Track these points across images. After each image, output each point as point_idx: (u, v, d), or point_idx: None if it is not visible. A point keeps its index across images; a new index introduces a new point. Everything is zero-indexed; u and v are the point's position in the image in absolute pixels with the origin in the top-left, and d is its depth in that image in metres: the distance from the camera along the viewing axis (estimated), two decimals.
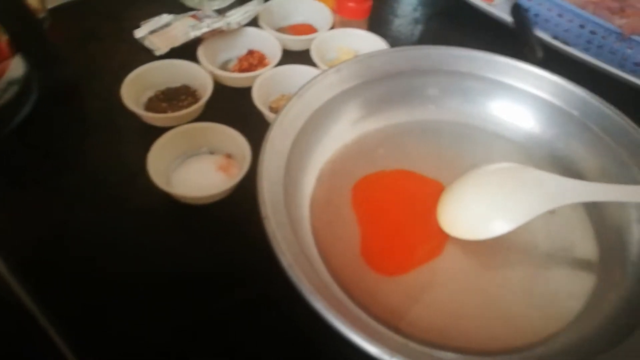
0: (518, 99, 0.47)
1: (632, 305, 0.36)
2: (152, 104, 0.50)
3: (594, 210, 0.42)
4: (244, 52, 0.55)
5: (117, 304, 0.37)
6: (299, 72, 0.50)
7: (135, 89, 0.50)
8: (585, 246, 0.41)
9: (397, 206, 0.42)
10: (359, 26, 0.58)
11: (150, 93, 0.52)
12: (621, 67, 0.55)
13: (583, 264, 0.40)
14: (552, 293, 0.38)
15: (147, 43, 0.56)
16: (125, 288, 0.38)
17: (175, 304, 0.37)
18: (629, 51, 0.54)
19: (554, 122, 0.46)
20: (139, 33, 0.57)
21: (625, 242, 0.40)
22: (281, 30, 0.59)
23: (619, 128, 0.43)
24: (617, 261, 0.39)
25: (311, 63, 0.52)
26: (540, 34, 0.59)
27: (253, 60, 0.53)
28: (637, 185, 0.39)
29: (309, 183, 0.42)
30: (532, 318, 0.36)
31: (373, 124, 0.47)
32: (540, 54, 0.54)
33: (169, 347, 0.35)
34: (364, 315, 0.35)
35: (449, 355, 0.34)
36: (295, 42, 0.56)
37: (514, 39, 0.58)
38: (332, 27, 0.59)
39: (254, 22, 0.57)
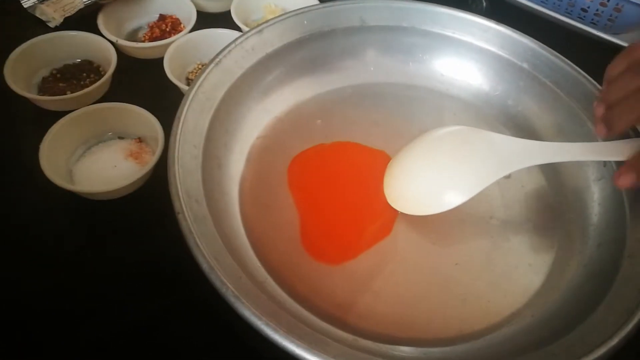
0: (465, 54, 0.43)
1: (594, 273, 0.33)
2: (48, 85, 0.43)
3: (551, 172, 0.39)
4: (155, 18, 0.48)
5: (21, 319, 0.31)
6: (217, 36, 0.44)
7: (25, 68, 0.42)
8: (543, 212, 0.38)
9: (339, 184, 0.38)
10: None
11: (44, 72, 0.44)
12: (568, 13, 0.52)
13: (542, 232, 0.37)
14: (512, 267, 0.35)
15: (38, 13, 0.48)
16: (19, 301, 0.32)
17: (85, 317, 0.32)
18: None
19: (504, 76, 0.43)
20: (27, 2, 0.48)
21: (584, 203, 0.37)
22: None
23: (572, 80, 0.40)
24: (577, 225, 0.36)
25: (233, 26, 0.46)
26: None
27: (165, 27, 0.46)
28: (594, 142, 0.36)
29: (236, 164, 0.37)
30: (492, 297, 0.33)
31: (306, 92, 0.42)
32: (484, 3, 0.50)
33: None
34: (305, 314, 0.31)
35: (404, 349, 0.30)
36: (213, 3, 0.50)
37: None
38: None
39: None
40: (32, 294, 0.33)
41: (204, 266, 0.27)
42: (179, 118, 0.32)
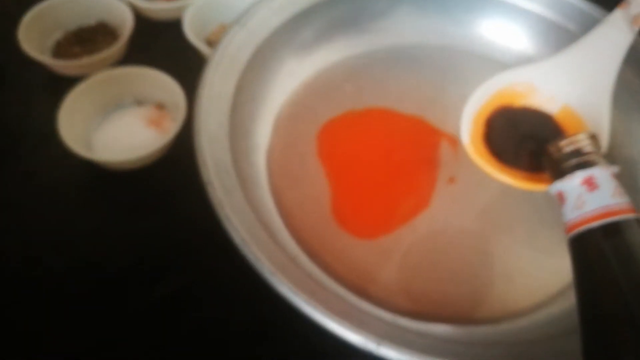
0: (507, 15, 0.40)
1: None
2: (62, 49, 0.41)
3: None
4: None
5: (22, 302, 0.30)
6: None
7: (39, 32, 0.41)
8: None
9: (372, 152, 0.35)
10: None
11: (58, 35, 0.42)
12: None
13: None
14: (558, 241, 0.32)
15: None
16: (34, 282, 0.31)
17: (96, 299, 0.31)
18: None
19: (549, 40, 0.39)
20: None
21: (635, 176, 0.34)
22: None
23: None
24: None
25: None
26: None
27: None
28: None
29: (263, 133, 0.35)
30: (538, 273, 0.31)
31: (336, 55, 0.39)
32: None
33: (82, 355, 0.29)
34: (340, 290, 0.29)
35: (444, 328, 0.29)
36: None
37: None
38: None
39: None
40: (49, 268, 0.31)
41: (237, 240, 0.25)
42: (204, 83, 0.30)
